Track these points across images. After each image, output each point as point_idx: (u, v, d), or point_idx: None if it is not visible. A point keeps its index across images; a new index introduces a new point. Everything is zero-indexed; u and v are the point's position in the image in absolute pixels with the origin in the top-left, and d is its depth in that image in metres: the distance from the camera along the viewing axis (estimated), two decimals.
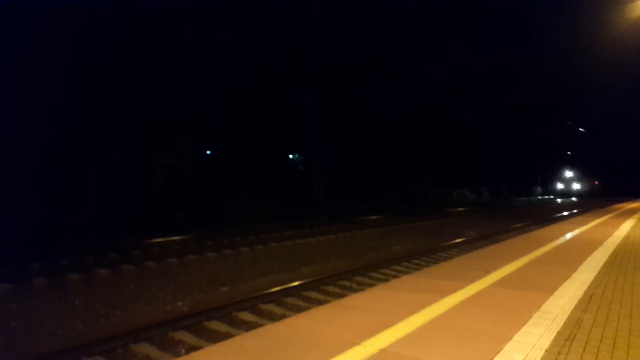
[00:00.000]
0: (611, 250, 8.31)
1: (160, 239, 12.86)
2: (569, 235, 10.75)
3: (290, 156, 33.90)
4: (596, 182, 76.88)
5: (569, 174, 78.45)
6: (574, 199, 60.76)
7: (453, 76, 37.17)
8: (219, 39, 22.58)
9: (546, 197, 66.49)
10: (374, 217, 22.18)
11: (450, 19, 38.60)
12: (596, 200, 48.90)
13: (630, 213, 20.23)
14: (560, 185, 78.44)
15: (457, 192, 46.20)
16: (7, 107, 16.07)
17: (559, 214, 26.46)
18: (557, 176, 78.28)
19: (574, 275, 5.95)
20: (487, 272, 6.04)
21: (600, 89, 59.45)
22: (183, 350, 5.33)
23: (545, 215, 26.28)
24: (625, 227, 13.10)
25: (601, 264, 6.84)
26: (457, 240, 13.96)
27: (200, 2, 22.98)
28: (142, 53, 20.22)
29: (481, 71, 38.10)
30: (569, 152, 71.89)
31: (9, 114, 16.08)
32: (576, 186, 77.43)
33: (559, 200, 54.94)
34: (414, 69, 34.92)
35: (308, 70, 28.53)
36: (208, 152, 28.11)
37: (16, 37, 17.71)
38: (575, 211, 28.15)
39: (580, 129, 55.28)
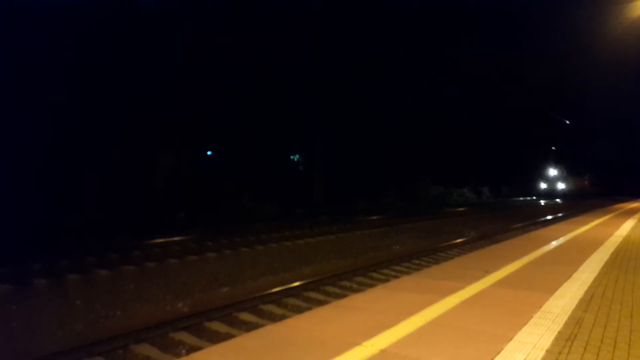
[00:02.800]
0: (612, 250, 8.31)
1: (160, 240, 12.85)
2: (569, 235, 10.74)
3: (291, 156, 33.91)
4: (586, 182, 70.97)
5: (553, 172, 70.03)
6: (558, 200, 53.63)
7: (453, 76, 37.21)
8: (219, 39, 22.58)
9: (528, 198, 58.03)
10: (374, 217, 22.16)
11: (450, 19, 38.63)
12: (590, 201, 45.20)
13: (630, 213, 20.22)
14: (543, 185, 69.79)
15: (457, 192, 46.18)
16: (7, 107, 16.07)
17: (560, 214, 26.46)
18: (541, 174, 69.79)
19: (574, 275, 5.94)
20: (487, 272, 6.03)
21: (600, 89, 59.41)
22: (184, 351, 5.32)
23: (546, 215, 26.28)
24: (626, 227, 13.09)
25: (602, 263, 6.83)
26: (458, 240, 13.95)
27: (200, 2, 22.99)
28: (142, 53, 20.23)
29: (481, 71, 38.11)
30: (553, 148, 63.87)
31: (9, 114, 16.08)
32: (561, 186, 69.23)
33: (542, 202, 47.96)
34: (414, 69, 34.97)
35: (308, 70, 28.54)
36: (208, 152, 28.12)
37: (16, 37, 17.70)
38: (575, 211, 28.13)
39: (566, 121, 50.03)
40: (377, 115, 33.08)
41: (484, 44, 44.51)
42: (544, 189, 68.53)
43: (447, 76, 36.90)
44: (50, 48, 18.08)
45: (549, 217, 24.06)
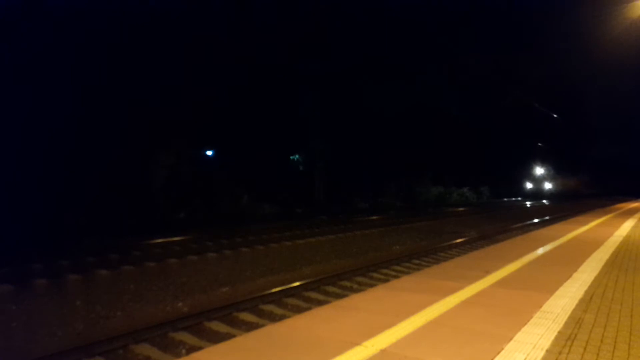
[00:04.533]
0: (612, 250, 8.31)
1: (160, 239, 12.85)
2: (569, 235, 10.74)
3: (291, 156, 33.91)
4: (579, 182, 66.58)
5: (540, 170, 64.75)
6: (544, 201, 48.62)
7: (453, 76, 37.24)
8: (219, 39, 22.58)
9: (513, 199, 52.89)
10: (374, 217, 22.17)
11: (450, 18, 38.67)
12: (584, 201, 42.35)
13: (630, 213, 20.22)
14: (529, 185, 64.40)
15: (457, 192, 46.14)
16: (7, 108, 16.08)
17: (560, 214, 26.45)
18: (527, 173, 64.31)
19: (574, 275, 5.94)
20: (487, 272, 6.03)
21: (600, 88, 59.39)
22: (184, 351, 5.32)
23: (546, 215, 26.28)
24: (626, 227, 13.09)
25: (602, 263, 6.83)
26: (458, 240, 13.95)
27: (200, 2, 23.00)
28: (142, 53, 20.23)
29: (481, 71, 38.14)
30: (540, 144, 58.11)
31: (9, 115, 16.08)
32: (548, 185, 64.28)
33: (527, 203, 43.57)
34: (414, 69, 34.99)
35: (308, 70, 28.55)
36: (208, 152, 28.13)
37: (17, 37, 17.71)
38: (576, 211, 28.15)
39: (554, 115, 46.25)
40: (377, 115, 33.09)
41: (484, 44, 44.53)
42: (530, 189, 63.57)
43: (447, 76, 36.96)
44: (50, 48, 18.08)
45: (549, 217, 24.05)
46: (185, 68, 22.19)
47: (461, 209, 31.45)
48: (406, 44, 33.07)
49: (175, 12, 21.55)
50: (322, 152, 31.33)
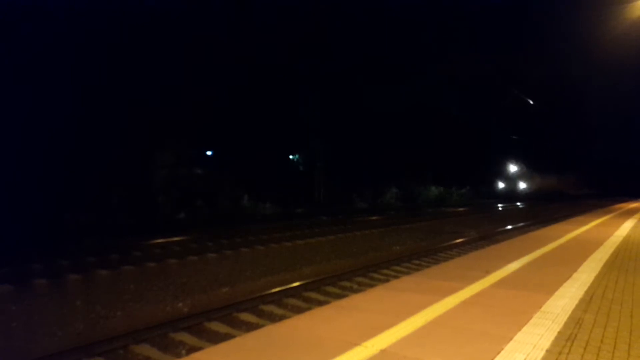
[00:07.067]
0: (612, 250, 8.31)
1: (160, 240, 12.84)
2: (569, 235, 10.74)
3: (291, 156, 33.92)
4: (569, 180, 62.41)
5: (513, 168, 58.71)
6: (518, 204, 41.80)
7: (453, 76, 37.29)
8: (219, 39, 22.61)
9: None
10: (374, 217, 22.17)
11: (450, 19, 38.72)
12: (567, 204, 38.69)
13: (630, 213, 20.23)
14: (501, 184, 58.36)
15: (458, 192, 46.13)
16: (8, 108, 16.08)
17: (561, 214, 26.45)
18: (500, 171, 57.74)
19: (574, 275, 5.94)
20: (487, 272, 6.03)
21: (599, 89, 59.42)
22: (184, 351, 5.32)
23: (547, 215, 26.28)
24: (626, 227, 13.09)
25: (602, 264, 6.83)
26: (458, 241, 13.94)
27: (200, 2, 23.02)
28: (142, 53, 20.25)
29: (481, 71, 38.18)
30: (514, 137, 51.49)
31: (9, 114, 16.08)
32: (523, 185, 59.18)
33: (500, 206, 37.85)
34: (414, 69, 35.06)
35: (308, 70, 28.58)
36: (208, 152, 28.15)
37: (17, 37, 17.72)
38: (576, 212, 28.15)
39: (530, 101, 41.34)
40: (377, 115, 33.13)
41: (484, 44, 44.58)
42: (502, 188, 57.78)
43: (447, 76, 37.02)
44: (51, 48, 18.09)
45: (549, 218, 24.05)
46: (185, 68, 22.22)
47: (461, 209, 31.44)
48: (406, 44, 33.12)
49: (175, 12, 21.58)
50: (322, 152, 31.35)
